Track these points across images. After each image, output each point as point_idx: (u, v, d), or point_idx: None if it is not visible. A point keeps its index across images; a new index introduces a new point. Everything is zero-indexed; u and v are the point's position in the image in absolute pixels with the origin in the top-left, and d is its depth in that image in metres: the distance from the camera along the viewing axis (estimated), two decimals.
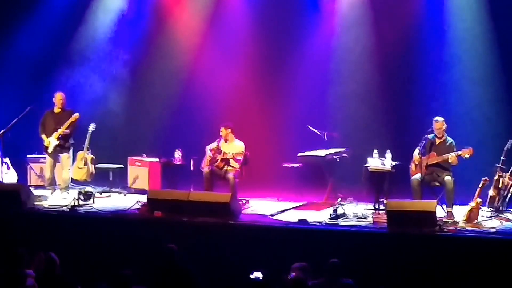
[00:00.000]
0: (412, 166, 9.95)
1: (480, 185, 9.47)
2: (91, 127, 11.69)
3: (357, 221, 9.46)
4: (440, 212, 9.43)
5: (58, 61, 13.18)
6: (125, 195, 11.81)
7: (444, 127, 9.86)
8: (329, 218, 9.52)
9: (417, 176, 9.66)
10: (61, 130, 11.18)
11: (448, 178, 9.61)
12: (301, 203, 10.82)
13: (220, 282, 8.50)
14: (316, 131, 11.56)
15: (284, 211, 10.31)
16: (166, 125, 13.09)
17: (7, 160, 11.80)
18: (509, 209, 9.76)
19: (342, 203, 10.33)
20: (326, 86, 12.48)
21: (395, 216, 8.88)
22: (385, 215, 9.10)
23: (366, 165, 10.43)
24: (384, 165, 10.29)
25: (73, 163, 11.61)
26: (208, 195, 10.06)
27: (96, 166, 11.98)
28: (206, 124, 12.50)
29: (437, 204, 9.23)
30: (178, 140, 12.22)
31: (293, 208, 10.56)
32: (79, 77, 13.10)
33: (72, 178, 11.71)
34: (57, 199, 11.09)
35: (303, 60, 12.51)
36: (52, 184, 11.44)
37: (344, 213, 9.79)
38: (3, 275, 6.97)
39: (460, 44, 11.71)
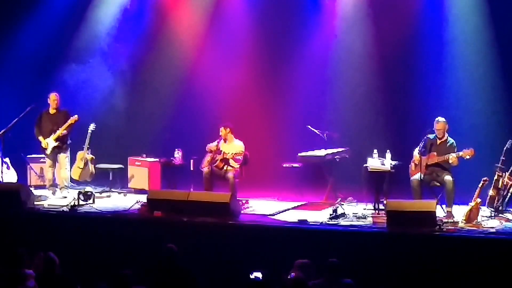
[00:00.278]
0: (412, 166, 9.96)
1: (480, 185, 9.46)
2: (91, 127, 11.70)
3: (357, 221, 9.47)
4: (440, 212, 9.43)
5: (58, 61, 13.16)
6: (125, 195, 11.81)
7: (445, 127, 9.85)
8: (329, 218, 9.53)
9: (417, 176, 9.67)
10: (60, 132, 11.20)
11: (448, 178, 9.61)
12: (301, 203, 10.82)
13: (220, 282, 8.50)
14: (316, 131, 11.56)
15: (284, 211, 10.31)
16: (166, 125, 13.09)
17: (7, 160, 11.81)
18: (508, 209, 9.76)
19: (342, 203, 10.34)
20: (326, 86, 12.49)
21: (395, 216, 8.89)
22: (385, 215, 9.10)
23: (366, 165, 10.44)
24: (384, 165, 10.29)
25: (71, 163, 11.62)
26: (208, 195, 10.07)
27: (96, 166, 11.99)
28: (206, 124, 12.50)
29: (437, 204, 9.23)
30: (178, 140, 12.23)
31: (293, 208, 10.57)
32: (78, 76, 13.10)
33: (72, 178, 11.74)
34: (58, 198, 11.10)
35: (303, 60, 12.51)
36: (53, 185, 11.46)
37: (344, 213, 9.80)
38: (3, 275, 6.98)
39: (459, 44, 11.71)
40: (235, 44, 12.91)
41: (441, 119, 9.88)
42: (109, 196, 11.66)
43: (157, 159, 11.99)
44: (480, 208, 9.37)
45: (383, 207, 9.75)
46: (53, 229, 9.70)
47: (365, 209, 10.23)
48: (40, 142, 11.33)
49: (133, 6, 13.36)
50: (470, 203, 9.27)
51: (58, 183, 11.46)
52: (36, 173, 12.33)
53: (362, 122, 12.20)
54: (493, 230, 8.84)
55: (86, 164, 11.77)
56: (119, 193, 11.91)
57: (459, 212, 9.50)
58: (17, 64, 13.26)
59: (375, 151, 10.42)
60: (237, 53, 12.87)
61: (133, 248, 9.18)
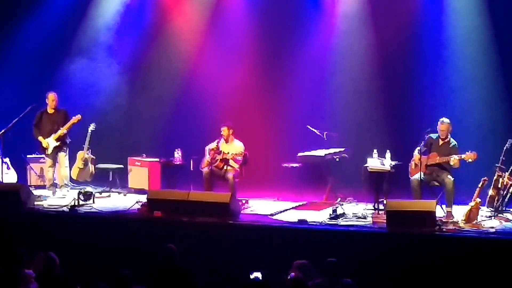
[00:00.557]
0: (412, 165, 9.95)
1: (480, 185, 9.47)
2: (91, 127, 11.71)
3: (357, 221, 9.46)
4: (440, 212, 9.43)
5: (58, 61, 13.19)
6: (125, 195, 11.81)
7: (449, 129, 9.83)
8: (329, 218, 9.52)
9: (417, 176, 9.66)
10: (61, 131, 11.21)
11: (448, 178, 9.61)
12: (300, 203, 10.82)
13: (220, 282, 8.50)
14: (315, 131, 11.57)
15: (283, 211, 10.31)
16: (166, 125, 13.10)
17: (7, 160, 11.82)
18: (508, 209, 9.76)
19: (341, 203, 10.35)
20: (326, 86, 12.49)
21: (395, 216, 8.89)
22: (385, 215, 9.11)
23: (366, 165, 10.44)
24: (384, 165, 10.29)
25: (71, 162, 11.62)
26: (207, 195, 10.08)
27: (96, 166, 12.00)
28: (206, 124, 12.51)
29: (437, 204, 9.23)
30: (178, 140, 12.23)
31: (292, 208, 10.56)
32: (78, 77, 13.12)
33: (72, 178, 11.74)
34: (59, 197, 11.11)
35: (303, 60, 12.52)
36: (53, 185, 11.47)
37: (343, 213, 9.80)
38: (3, 275, 6.98)
39: (459, 44, 11.72)
40: (235, 45, 12.92)
41: (446, 120, 9.85)
42: (109, 196, 11.66)
43: (157, 159, 11.99)
44: (480, 208, 9.38)
45: (383, 207, 9.75)
46: (53, 229, 9.71)
47: (365, 209, 10.22)
48: (40, 142, 11.32)
49: (133, 6, 13.35)
50: (470, 203, 9.27)
51: (58, 182, 11.46)
52: (36, 173, 12.33)
53: (362, 122, 12.21)
54: (493, 230, 8.84)
55: (86, 164, 11.78)
56: (119, 193, 11.91)
57: (459, 212, 9.50)
58: (17, 62, 13.27)
59: (375, 151, 10.42)
60: (237, 53, 12.88)
61: (133, 248, 9.19)
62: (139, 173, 12.06)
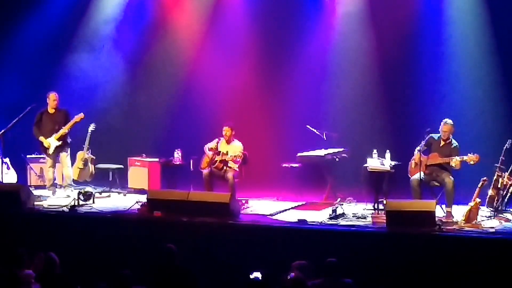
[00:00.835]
0: (412, 164, 9.94)
1: (479, 185, 9.46)
2: (91, 127, 11.71)
3: (357, 221, 9.47)
4: (440, 212, 9.44)
5: (58, 60, 13.20)
6: (125, 195, 11.82)
7: (452, 130, 9.80)
8: (329, 218, 9.53)
9: (417, 176, 9.67)
10: (63, 131, 11.21)
11: (447, 178, 9.62)
12: (300, 203, 10.82)
13: (220, 282, 8.51)
14: (315, 131, 11.57)
15: (283, 211, 10.32)
16: (166, 125, 13.11)
17: (7, 160, 11.82)
18: (508, 209, 9.76)
19: (341, 203, 10.36)
20: (325, 86, 12.49)
21: (395, 216, 8.89)
22: (385, 215, 9.11)
23: (365, 165, 10.44)
24: (384, 165, 10.30)
25: (71, 161, 11.62)
26: (207, 195, 10.08)
27: (96, 166, 12.01)
28: (206, 124, 12.51)
29: (437, 204, 9.23)
30: (178, 140, 12.24)
31: (292, 208, 10.57)
32: (78, 77, 13.12)
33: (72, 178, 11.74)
34: (60, 197, 11.13)
35: (303, 60, 12.52)
36: (53, 185, 11.47)
37: (343, 213, 9.80)
38: (3, 275, 6.98)
39: (459, 44, 11.72)
40: (235, 45, 12.92)
41: (449, 121, 9.82)
42: (109, 196, 11.67)
43: (157, 159, 11.99)
44: (480, 208, 9.38)
45: (382, 207, 9.76)
46: (53, 229, 9.70)
47: (364, 209, 10.24)
48: (41, 142, 11.31)
49: (133, 6, 13.35)
50: (469, 203, 9.27)
51: (62, 182, 11.48)
52: (36, 173, 12.34)
53: (361, 122, 12.21)
54: (493, 230, 8.84)
55: (86, 164, 11.78)
56: (119, 193, 11.92)
57: (459, 212, 9.50)
58: (18, 60, 13.29)
59: (375, 151, 10.43)
60: (237, 53, 12.88)
61: (133, 248, 9.18)
62: (139, 173, 12.06)
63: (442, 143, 9.87)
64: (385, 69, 12.06)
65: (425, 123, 10.28)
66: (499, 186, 9.69)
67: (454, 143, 9.85)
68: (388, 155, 10.35)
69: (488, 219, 9.44)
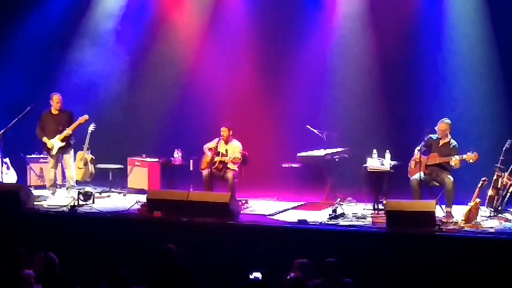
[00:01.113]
0: (412, 164, 9.95)
1: (479, 185, 9.47)
2: (91, 127, 11.71)
3: (356, 221, 9.47)
4: (439, 212, 9.44)
5: (58, 60, 13.20)
6: (124, 195, 11.82)
7: (448, 129, 9.82)
8: (328, 218, 9.53)
9: (417, 176, 9.67)
10: (67, 132, 11.21)
11: (447, 178, 9.62)
12: (300, 203, 10.83)
13: (220, 282, 8.51)
14: (315, 131, 11.57)
15: (283, 211, 10.32)
16: (166, 125, 13.10)
17: (7, 160, 11.81)
18: (508, 209, 9.77)
19: (341, 203, 10.35)
20: (325, 86, 12.48)
21: (394, 216, 8.89)
22: (384, 215, 9.11)
23: (365, 165, 10.45)
24: (383, 165, 10.31)
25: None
26: (207, 195, 10.08)
27: (96, 166, 12.01)
28: (206, 124, 12.51)
29: (436, 204, 9.23)
30: (178, 140, 12.24)
31: (292, 208, 10.58)
32: (77, 78, 13.13)
33: None
34: (63, 198, 11.12)
35: (303, 60, 12.51)
36: (53, 185, 11.47)
37: (343, 213, 9.80)
38: (3, 275, 6.98)
39: (459, 44, 11.70)
40: (235, 45, 12.92)
41: (446, 120, 9.84)
42: (108, 196, 11.67)
43: (157, 159, 12.00)
44: (480, 208, 9.38)
45: (382, 207, 9.75)
46: (53, 229, 9.70)
47: (364, 209, 10.25)
48: (45, 143, 11.29)
49: (133, 6, 13.35)
50: (469, 203, 9.28)
51: (61, 183, 11.46)
52: (36, 173, 12.34)
53: (361, 122, 12.19)
54: (492, 230, 8.85)
55: (86, 164, 11.78)
56: (119, 193, 11.92)
57: (459, 212, 9.51)
58: (18, 59, 13.28)
59: (375, 151, 10.43)
60: (237, 53, 12.88)
61: (133, 248, 9.19)
62: (139, 173, 12.07)
63: (441, 143, 9.87)
64: (385, 69, 12.05)
65: (425, 123, 10.29)
66: (498, 186, 9.70)
67: (453, 142, 9.86)
68: (388, 155, 10.36)
69: (488, 219, 9.44)
